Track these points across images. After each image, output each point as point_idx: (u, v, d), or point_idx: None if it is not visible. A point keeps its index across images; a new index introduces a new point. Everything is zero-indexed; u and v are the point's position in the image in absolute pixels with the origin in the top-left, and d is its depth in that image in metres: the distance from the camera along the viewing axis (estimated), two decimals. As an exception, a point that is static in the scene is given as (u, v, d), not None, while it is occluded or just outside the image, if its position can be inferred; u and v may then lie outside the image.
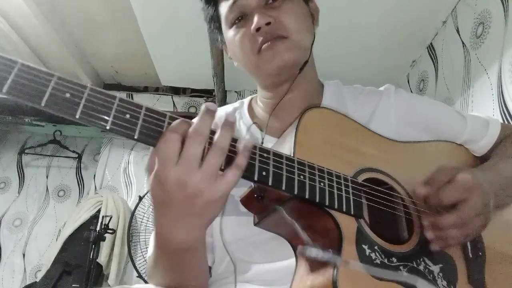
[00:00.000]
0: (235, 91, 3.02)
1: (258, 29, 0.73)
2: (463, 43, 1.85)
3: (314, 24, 0.83)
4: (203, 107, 0.50)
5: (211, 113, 0.50)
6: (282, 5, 0.75)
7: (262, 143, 0.56)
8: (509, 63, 1.46)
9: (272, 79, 0.79)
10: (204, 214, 0.53)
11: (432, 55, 2.24)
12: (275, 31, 0.73)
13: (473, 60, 1.74)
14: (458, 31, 1.92)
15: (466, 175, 0.62)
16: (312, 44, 0.80)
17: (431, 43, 2.25)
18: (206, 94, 3.12)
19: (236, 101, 0.93)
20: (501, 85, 1.50)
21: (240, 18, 0.77)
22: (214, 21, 0.84)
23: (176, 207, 0.51)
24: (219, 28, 0.84)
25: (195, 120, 0.49)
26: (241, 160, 0.50)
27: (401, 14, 2.05)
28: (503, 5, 1.54)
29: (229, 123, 0.50)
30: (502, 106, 1.49)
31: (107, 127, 0.46)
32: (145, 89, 3.27)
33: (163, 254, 0.61)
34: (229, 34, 0.79)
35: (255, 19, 0.72)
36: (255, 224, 0.64)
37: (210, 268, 0.78)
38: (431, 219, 0.61)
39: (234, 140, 0.51)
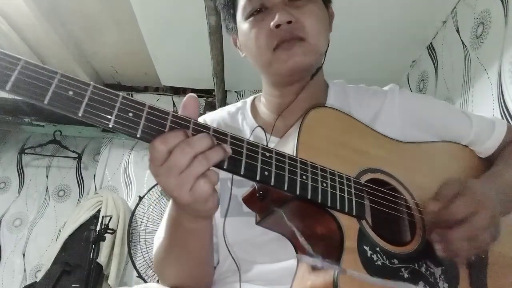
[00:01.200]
0: (235, 91, 3.02)
1: (277, 26, 0.71)
2: (463, 43, 1.85)
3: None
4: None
5: (212, 139, 0.49)
6: (305, 6, 0.74)
7: (267, 144, 0.56)
8: (509, 63, 1.46)
9: (282, 79, 0.78)
10: (192, 210, 0.55)
11: (432, 55, 2.23)
12: (294, 32, 0.72)
13: (473, 60, 1.74)
14: (458, 31, 1.92)
15: (474, 187, 0.61)
16: (326, 50, 0.79)
17: (431, 43, 2.25)
18: (206, 94, 3.11)
19: (236, 101, 0.92)
20: (501, 85, 1.50)
21: (259, 11, 0.75)
22: (229, 8, 0.83)
23: (172, 198, 0.57)
24: (234, 16, 0.82)
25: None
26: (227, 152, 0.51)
27: (401, 14, 2.05)
28: (503, 5, 1.54)
29: (224, 148, 0.50)
30: (502, 106, 1.49)
31: (110, 126, 0.46)
32: (145, 89, 3.26)
33: (173, 234, 0.65)
34: (245, 25, 0.77)
35: (277, 16, 0.71)
36: (257, 223, 0.64)
37: (214, 268, 0.78)
38: (440, 232, 0.59)
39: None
